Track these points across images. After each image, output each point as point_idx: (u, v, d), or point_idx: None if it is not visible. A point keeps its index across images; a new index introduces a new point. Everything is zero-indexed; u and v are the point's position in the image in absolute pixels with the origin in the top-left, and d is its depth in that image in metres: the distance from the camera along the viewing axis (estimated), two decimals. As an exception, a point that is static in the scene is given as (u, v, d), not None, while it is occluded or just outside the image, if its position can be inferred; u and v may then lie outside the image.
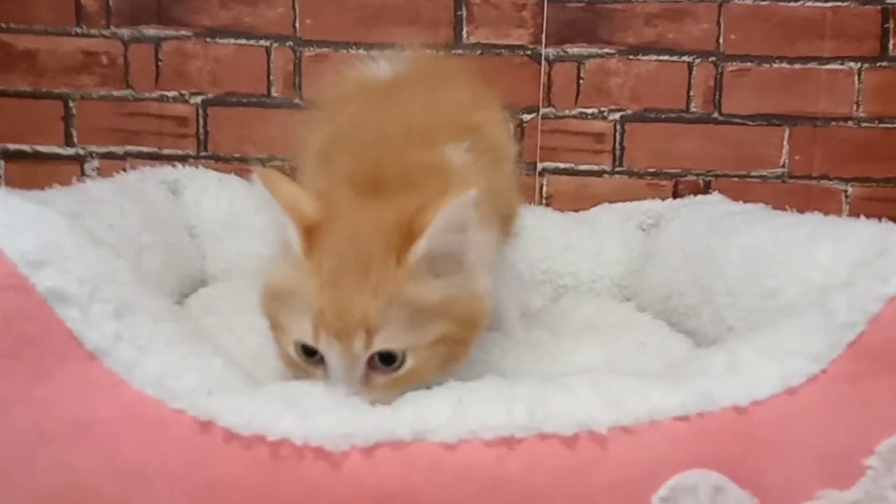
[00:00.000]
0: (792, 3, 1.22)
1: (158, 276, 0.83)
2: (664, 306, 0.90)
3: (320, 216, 0.56)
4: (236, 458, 0.46)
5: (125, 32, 1.22)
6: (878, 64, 1.22)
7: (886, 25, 1.22)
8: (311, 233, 0.55)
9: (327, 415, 0.46)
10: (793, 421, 0.48)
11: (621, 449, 0.47)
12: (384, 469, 0.45)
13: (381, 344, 0.53)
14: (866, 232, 0.66)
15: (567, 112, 1.25)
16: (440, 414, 0.47)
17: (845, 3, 1.21)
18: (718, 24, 1.22)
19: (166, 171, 1.09)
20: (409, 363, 0.54)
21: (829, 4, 1.21)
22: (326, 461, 0.45)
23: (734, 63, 1.23)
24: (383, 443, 0.46)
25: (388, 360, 0.54)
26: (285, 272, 0.56)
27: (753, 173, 1.25)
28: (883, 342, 0.49)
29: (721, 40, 1.23)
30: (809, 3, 1.21)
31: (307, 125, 0.79)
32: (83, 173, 1.24)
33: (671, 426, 0.48)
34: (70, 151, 1.24)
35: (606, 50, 1.24)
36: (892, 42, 1.22)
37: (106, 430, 0.48)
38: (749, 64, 1.23)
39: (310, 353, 0.54)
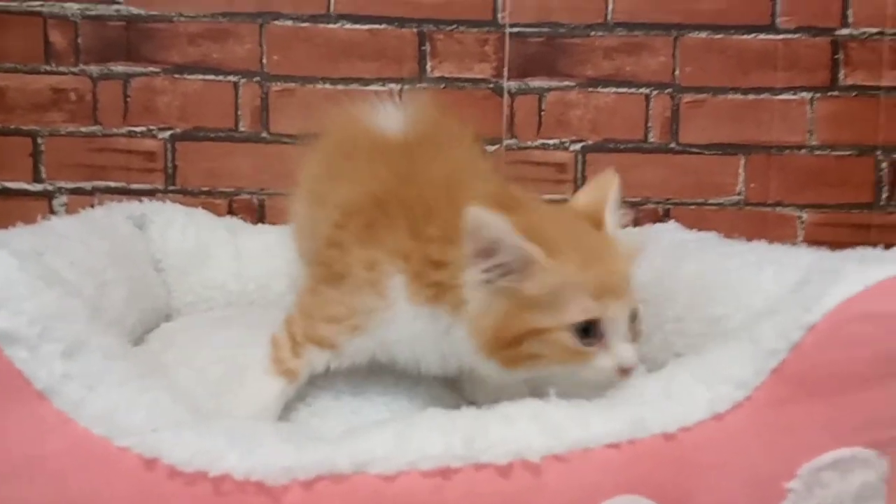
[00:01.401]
0: (745, 36, 1.26)
1: (122, 311, 0.83)
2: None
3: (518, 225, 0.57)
4: (180, 495, 0.48)
5: (94, 69, 1.24)
6: (829, 93, 1.26)
7: (836, 56, 1.26)
8: (532, 238, 0.57)
9: (269, 449, 0.48)
10: (720, 446, 0.50)
11: (554, 477, 0.48)
12: (324, 502, 0.47)
13: (634, 301, 0.59)
14: (806, 259, 0.69)
15: (529, 143, 1.28)
16: (380, 446, 0.48)
17: (796, 36, 1.26)
18: (674, 56, 1.26)
19: (133, 206, 1.10)
20: None
21: (781, 37, 1.26)
22: (267, 496, 0.47)
23: (690, 94, 1.27)
24: (324, 476, 0.47)
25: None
26: (539, 281, 0.57)
27: (711, 201, 1.28)
28: (804, 369, 0.51)
29: (677, 72, 1.26)
30: (762, 36, 1.26)
31: (303, 161, 0.82)
32: (51, 210, 1.25)
33: (603, 453, 0.49)
34: (38, 188, 1.25)
35: (566, 83, 1.27)
36: (842, 72, 1.26)
37: (56, 467, 0.50)
38: (704, 95, 1.27)
39: (587, 331, 0.57)
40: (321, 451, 0.48)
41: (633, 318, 0.60)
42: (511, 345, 0.58)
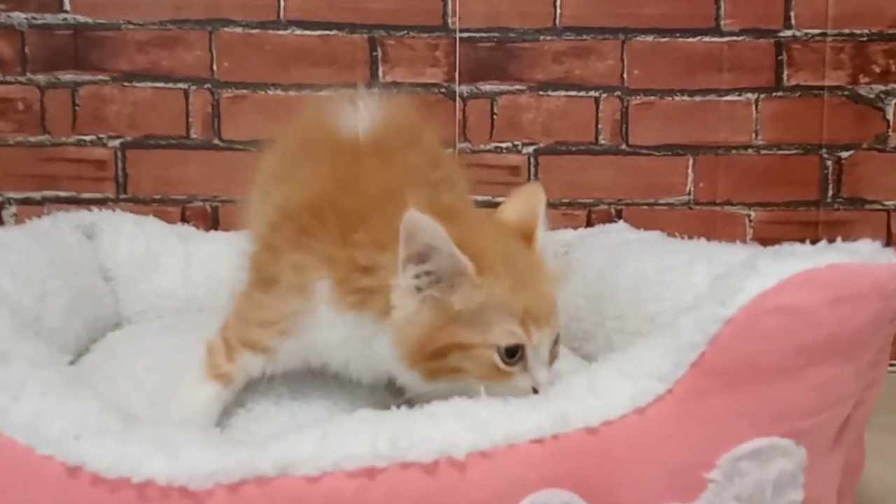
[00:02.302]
0: (690, 39, 1.28)
1: (63, 321, 0.83)
2: (566, 332, 0.93)
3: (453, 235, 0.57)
4: (103, 502, 0.47)
5: (41, 78, 1.23)
6: (774, 94, 1.29)
7: (780, 58, 1.29)
8: (466, 252, 0.57)
9: (192, 454, 0.48)
10: (642, 439, 0.51)
11: (479, 473, 0.49)
12: (248, 504, 0.47)
13: (557, 325, 0.61)
14: (738, 255, 0.70)
15: (482, 147, 1.29)
16: (304, 448, 0.48)
17: (741, 38, 1.28)
18: (622, 60, 1.28)
19: (82, 215, 1.09)
20: None
21: (726, 39, 1.28)
22: (191, 500, 0.47)
23: (638, 97, 1.29)
24: (248, 479, 0.47)
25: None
26: (468, 295, 0.58)
27: (661, 201, 1.30)
28: (722, 362, 0.52)
29: (625, 75, 1.28)
30: (707, 39, 1.28)
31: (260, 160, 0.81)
32: (0, 220, 1.23)
33: (527, 449, 0.50)
34: (-14, 198, 1.24)
35: (517, 87, 1.28)
36: (785, 73, 1.29)
37: (-20, 478, 0.49)
38: (652, 97, 1.29)
39: (511, 354, 0.59)
40: (245, 455, 0.48)
41: (555, 342, 0.62)
42: (435, 356, 0.59)
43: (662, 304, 0.74)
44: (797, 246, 0.58)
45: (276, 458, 0.48)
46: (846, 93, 1.29)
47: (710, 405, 0.52)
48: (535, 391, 0.60)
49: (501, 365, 0.59)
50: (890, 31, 1.28)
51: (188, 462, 0.47)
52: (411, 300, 0.58)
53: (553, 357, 0.63)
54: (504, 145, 1.29)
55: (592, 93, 1.28)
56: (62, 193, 1.24)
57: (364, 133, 0.73)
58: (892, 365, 1.28)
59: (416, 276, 0.58)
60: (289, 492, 0.47)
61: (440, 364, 0.59)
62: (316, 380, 0.71)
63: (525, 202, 0.68)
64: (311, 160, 0.71)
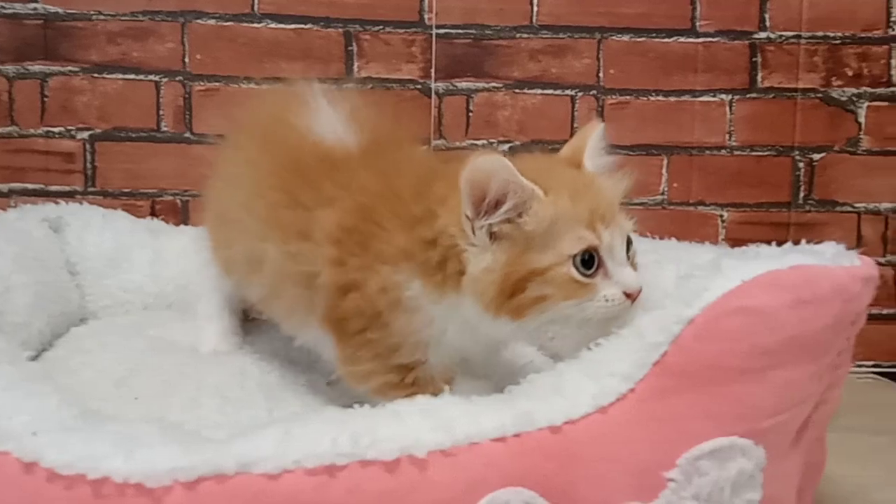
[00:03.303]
0: (666, 40, 1.29)
1: (25, 316, 0.81)
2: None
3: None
4: (59, 498, 0.47)
5: (10, 69, 1.21)
6: (748, 95, 1.30)
7: (754, 59, 1.30)
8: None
9: (151, 451, 0.47)
10: (603, 438, 0.52)
11: (441, 471, 0.49)
12: (207, 502, 0.47)
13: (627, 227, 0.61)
14: (706, 256, 0.71)
15: (458, 143, 1.28)
16: (265, 446, 0.48)
17: (716, 39, 1.29)
18: (598, 59, 1.28)
19: (48, 209, 1.08)
20: None
21: (701, 40, 1.29)
22: (148, 497, 0.46)
23: (614, 96, 1.29)
24: (207, 476, 0.47)
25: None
26: (537, 217, 0.58)
27: (636, 200, 1.30)
28: (684, 361, 0.52)
29: (601, 74, 1.29)
30: (682, 39, 1.29)
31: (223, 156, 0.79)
32: (-33, 212, 1.21)
33: (489, 447, 0.50)
34: (-47, 190, 1.21)
35: (493, 84, 1.28)
36: (760, 75, 1.30)
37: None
38: (628, 97, 1.29)
39: (588, 264, 0.58)
40: (205, 452, 0.47)
41: (629, 245, 0.62)
42: (515, 293, 0.58)
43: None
44: (762, 248, 0.59)
45: (237, 456, 0.47)
46: (819, 95, 1.30)
47: (672, 405, 0.52)
48: (633, 298, 0.59)
49: (580, 277, 0.58)
50: (863, 35, 1.30)
51: (146, 459, 0.47)
52: (481, 250, 0.58)
53: (634, 264, 0.62)
54: (480, 142, 1.29)
55: (568, 91, 1.29)
56: (29, 186, 1.22)
57: (349, 137, 0.71)
58: (860, 366, 1.31)
59: (490, 224, 0.58)
60: (248, 489, 0.47)
61: (522, 299, 0.58)
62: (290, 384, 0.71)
63: (580, 136, 0.68)
64: (317, 179, 0.67)
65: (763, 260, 0.54)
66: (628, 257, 0.62)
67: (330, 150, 0.69)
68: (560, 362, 0.58)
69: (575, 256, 0.58)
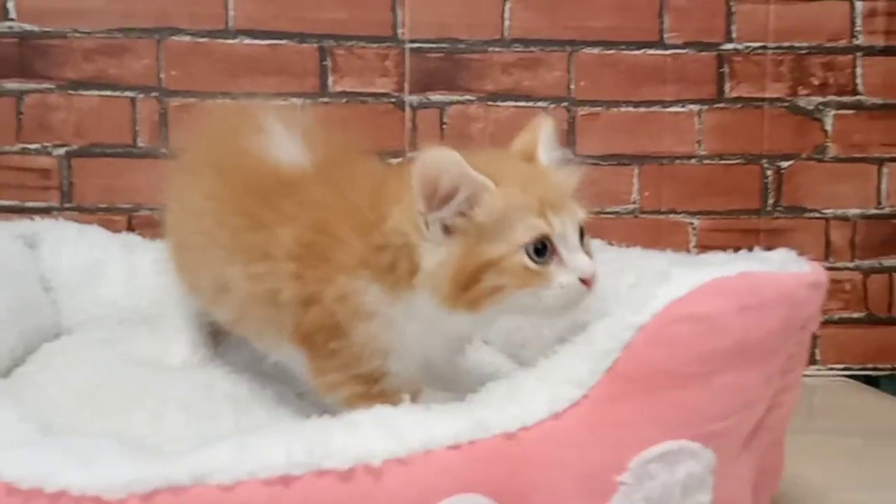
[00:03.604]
0: (635, 52, 1.31)
1: (-2, 333, 0.82)
2: (507, 339, 0.95)
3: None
4: (17, 512, 0.47)
5: (-15, 86, 1.22)
6: (716, 105, 1.32)
7: (722, 70, 1.32)
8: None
9: (107, 464, 0.48)
10: (557, 444, 0.53)
11: (395, 479, 0.50)
12: (162, 513, 0.47)
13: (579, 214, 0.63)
14: (660, 264, 0.72)
15: (432, 156, 1.30)
16: (219, 457, 0.49)
17: (684, 51, 1.31)
18: (569, 71, 1.30)
19: (24, 225, 1.09)
20: None
21: (670, 52, 1.31)
22: (105, 509, 0.47)
23: (585, 108, 1.31)
24: (162, 489, 0.48)
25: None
26: (489, 208, 0.59)
27: (608, 209, 1.32)
28: (635, 367, 0.54)
29: (572, 86, 1.31)
30: (651, 52, 1.31)
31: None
32: (-59, 229, 1.21)
33: (443, 455, 0.51)
34: (-72, 208, 1.22)
35: (467, 97, 1.30)
36: (727, 85, 1.32)
37: None
38: (599, 108, 1.31)
39: (540, 252, 0.59)
40: (160, 465, 0.48)
41: (582, 233, 0.63)
42: (470, 284, 0.58)
43: (591, 312, 0.76)
44: (712, 255, 0.60)
45: (192, 468, 0.48)
46: (786, 104, 1.33)
47: (622, 410, 0.53)
48: (589, 284, 0.60)
49: (533, 266, 0.59)
50: (828, 45, 1.32)
51: (102, 472, 0.47)
52: (435, 244, 0.59)
53: (588, 252, 0.63)
54: (453, 155, 1.30)
55: (541, 103, 1.30)
56: (5, 202, 1.22)
57: (302, 156, 0.71)
58: (831, 369, 1.33)
59: (442, 217, 0.59)
60: (203, 501, 0.48)
61: (477, 291, 0.58)
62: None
63: (530, 131, 0.69)
64: (270, 204, 0.68)
65: (711, 267, 0.56)
66: (582, 245, 0.63)
67: (287, 171, 0.69)
68: (512, 370, 0.60)
69: (527, 245, 0.59)
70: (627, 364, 0.53)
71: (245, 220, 0.68)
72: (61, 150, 1.23)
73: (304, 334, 0.65)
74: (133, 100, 1.24)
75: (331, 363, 0.64)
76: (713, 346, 0.53)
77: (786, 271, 0.57)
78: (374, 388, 0.64)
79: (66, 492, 0.47)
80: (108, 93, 1.24)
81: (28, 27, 1.22)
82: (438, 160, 0.57)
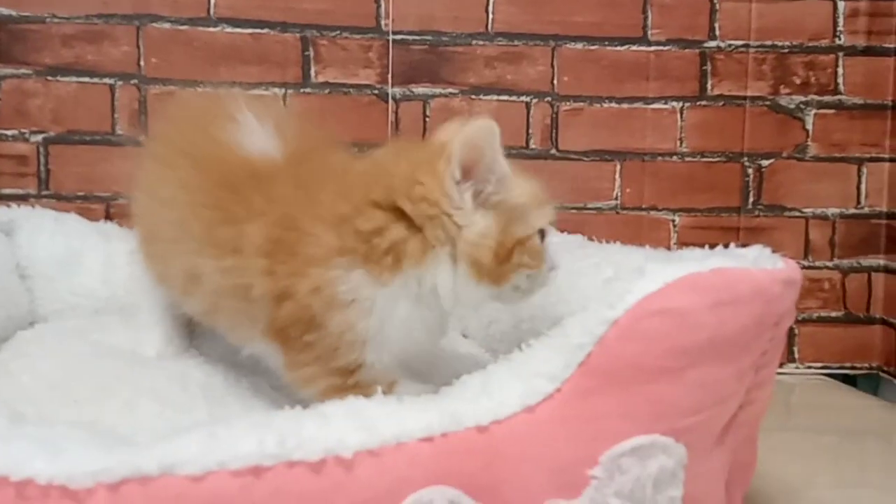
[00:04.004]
0: (619, 48, 1.31)
1: (-30, 319, 0.81)
2: (485, 333, 0.95)
3: None
4: (-18, 501, 0.47)
5: (-38, 71, 1.20)
6: (698, 103, 1.33)
7: (704, 68, 1.33)
8: None
9: (74, 453, 0.47)
10: (529, 437, 0.53)
11: (366, 471, 0.50)
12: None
13: None
14: (637, 259, 0.72)
15: (415, 148, 1.29)
16: (188, 448, 0.48)
17: (667, 48, 1.32)
18: (553, 66, 1.30)
19: (0, 212, 1.07)
20: None
21: (653, 49, 1.31)
22: (72, 499, 0.46)
23: (568, 103, 1.31)
24: (130, 479, 0.47)
25: None
26: (521, 191, 0.63)
27: (590, 205, 1.33)
28: (607, 361, 0.54)
29: (555, 81, 1.31)
30: (634, 48, 1.31)
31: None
32: (-85, 215, 1.19)
33: (415, 447, 0.51)
34: None
35: (450, 90, 1.29)
36: (710, 83, 1.33)
37: None
38: (582, 104, 1.31)
39: (542, 238, 0.65)
40: (128, 454, 0.48)
41: None
42: (505, 260, 0.62)
43: (570, 306, 0.76)
44: (686, 251, 0.61)
45: (160, 458, 0.47)
46: (767, 103, 1.33)
47: (595, 404, 0.53)
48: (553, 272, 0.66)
49: (542, 248, 0.64)
50: (810, 45, 1.33)
51: (69, 461, 0.47)
52: (473, 216, 0.61)
53: None
54: (436, 148, 1.29)
55: (524, 98, 1.30)
56: (-19, 189, 1.21)
57: (273, 149, 0.71)
58: (809, 368, 1.34)
59: (478, 189, 0.61)
60: (171, 491, 0.47)
61: (508, 266, 0.62)
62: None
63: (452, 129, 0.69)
64: (242, 197, 0.67)
65: (685, 263, 0.56)
66: None
67: (257, 163, 0.69)
68: (490, 363, 0.60)
69: (540, 231, 0.64)
70: (600, 358, 0.54)
71: (217, 214, 0.68)
72: (39, 137, 1.22)
73: (278, 329, 0.64)
74: (112, 87, 1.23)
75: (306, 356, 0.64)
76: (686, 340, 0.53)
77: (759, 268, 0.57)
78: (349, 379, 0.64)
79: (33, 480, 0.46)
80: (87, 79, 1.22)
81: (5, 11, 1.20)
82: (486, 130, 0.59)
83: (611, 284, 0.56)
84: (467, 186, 0.61)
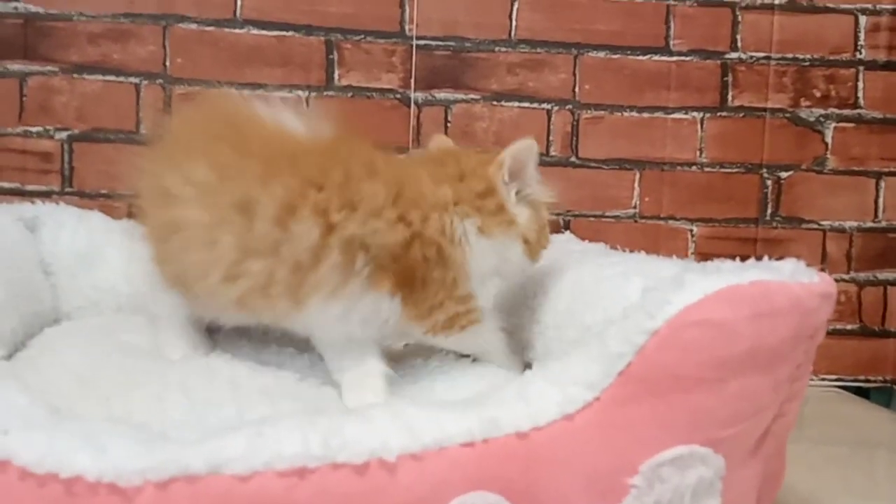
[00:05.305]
0: (640, 57, 1.31)
1: (-2, 315, 0.81)
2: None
3: None
4: (31, 496, 0.47)
5: (-12, 67, 1.21)
6: (719, 114, 1.33)
7: (725, 79, 1.33)
8: None
9: (122, 450, 0.48)
10: (568, 444, 0.53)
11: (409, 475, 0.50)
12: (177, 502, 0.47)
13: None
14: (671, 270, 0.73)
15: (435, 153, 1.30)
16: (235, 447, 0.49)
17: (688, 58, 1.32)
18: (574, 74, 1.31)
19: (24, 208, 1.07)
20: None
21: (674, 59, 1.32)
22: (120, 496, 0.47)
23: (589, 111, 1.32)
24: (178, 477, 0.48)
25: None
26: (543, 187, 0.82)
27: (608, 214, 1.33)
28: (647, 371, 0.54)
29: (577, 89, 1.31)
30: (656, 58, 1.32)
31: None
32: (-61, 209, 1.20)
33: (457, 452, 0.51)
34: (-72, 188, 1.20)
35: (472, 96, 1.30)
36: (730, 94, 1.33)
37: None
38: (602, 112, 1.32)
39: None
40: (176, 453, 0.48)
41: None
42: (542, 241, 0.82)
43: (596, 314, 0.76)
44: (724, 263, 0.61)
45: (207, 456, 0.48)
46: (787, 115, 1.34)
47: (634, 413, 0.54)
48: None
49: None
50: (831, 58, 1.34)
51: (117, 458, 0.47)
52: (518, 208, 0.78)
53: None
54: (456, 153, 1.30)
55: (545, 105, 1.31)
56: (6, 185, 1.22)
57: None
58: (824, 380, 1.34)
59: (520, 190, 0.79)
60: (218, 490, 0.48)
61: (542, 245, 0.82)
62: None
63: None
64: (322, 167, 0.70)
65: (724, 274, 0.56)
66: None
67: (304, 140, 0.73)
68: (527, 370, 0.60)
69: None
70: (640, 368, 0.54)
71: (296, 181, 0.69)
72: (63, 134, 1.22)
73: (405, 274, 0.72)
74: (137, 86, 1.24)
75: (433, 289, 0.74)
76: (725, 352, 0.54)
77: (796, 281, 0.57)
78: (470, 304, 0.76)
79: (82, 477, 0.47)
80: (112, 78, 1.23)
81: (33, 9, 1.21)
82: (531, 149, 0.77)
83: (650, 294, 0.56)
84: (513, 186, 0.78)
